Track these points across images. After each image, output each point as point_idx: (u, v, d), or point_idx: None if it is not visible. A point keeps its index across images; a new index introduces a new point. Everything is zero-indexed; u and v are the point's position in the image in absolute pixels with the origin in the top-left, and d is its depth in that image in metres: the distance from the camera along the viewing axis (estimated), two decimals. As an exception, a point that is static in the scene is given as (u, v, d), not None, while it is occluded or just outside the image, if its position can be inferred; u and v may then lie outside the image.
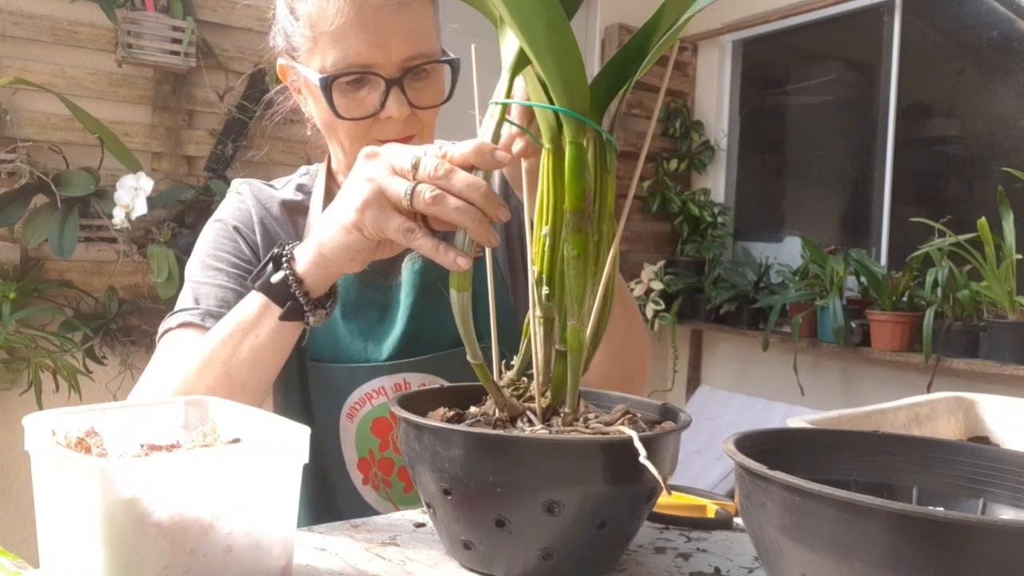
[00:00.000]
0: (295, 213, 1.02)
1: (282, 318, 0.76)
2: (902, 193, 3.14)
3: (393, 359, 0.95)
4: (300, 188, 1.04)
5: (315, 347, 0.97)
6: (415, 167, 0.65)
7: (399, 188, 0.65)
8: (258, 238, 0.98)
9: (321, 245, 0.73)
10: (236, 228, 0.98)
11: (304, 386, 0.98)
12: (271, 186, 1.05)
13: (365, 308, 0.97)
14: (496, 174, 1.01)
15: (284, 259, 0.76)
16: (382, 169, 0.67)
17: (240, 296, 0.84)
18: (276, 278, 0.75)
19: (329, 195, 1.01)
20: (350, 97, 0.89)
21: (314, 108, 0.95)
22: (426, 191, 0.63)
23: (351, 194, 0.68)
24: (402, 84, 0.89)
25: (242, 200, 1.01)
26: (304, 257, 0.75)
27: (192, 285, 0.94)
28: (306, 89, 0.95)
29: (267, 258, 0.77)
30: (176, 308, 0.93)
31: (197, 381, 0.77)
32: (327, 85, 0.88)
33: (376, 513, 0.94)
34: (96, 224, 2.26)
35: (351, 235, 0.69)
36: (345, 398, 0.95)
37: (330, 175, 1.04)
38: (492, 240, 0.64)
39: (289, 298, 0.75)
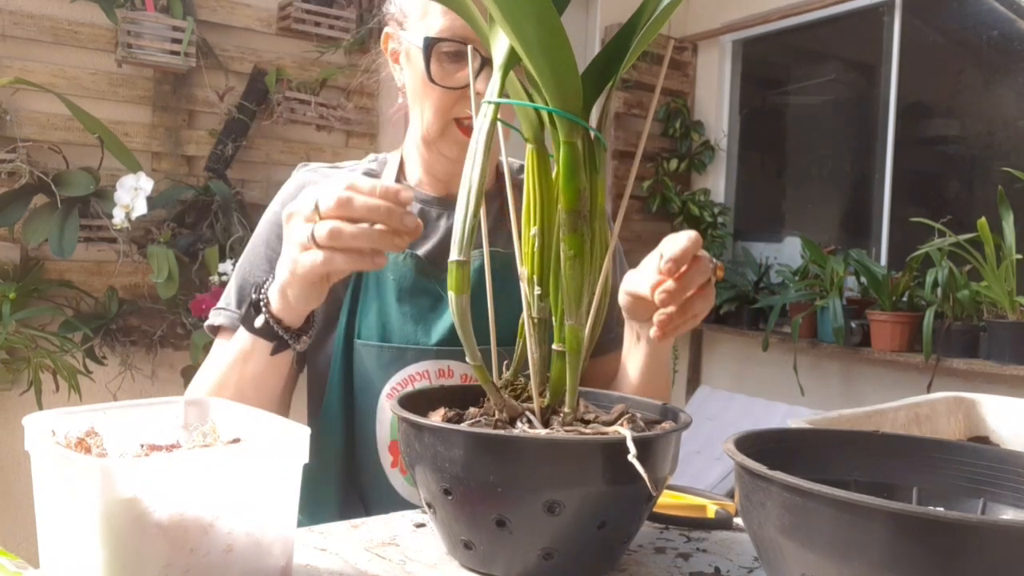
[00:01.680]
0: None
1: (273, 352, 0.85)
2: (902, 193, 3.14)
3: (441, 345, 0.98)
4: (369, 173, 1.07)
5: (366, 328, 0.99)
6: (316, 209, 0.73)
7: (304, 235, 0.74)
8: None
9: (283, 291, 0.81)
10: None
11: (348, 366, 1.00)
12: (337, 167, 1.08)
13: (419, 295, 1.00)
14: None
15: (262, 304, 0.84)
16: (296, 222, 0.76)
17: None
18: (259, 323, 0.83)
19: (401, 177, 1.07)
20: (446, 66, 0.95)
21: (408, 76, 1.00)
22: (322, 230, 0.72)
23: (284, 254, 0.79)
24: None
25: (300, 186, 1.03)
26: (275, 300, 0.83)
27: (240, 280, 1.01)
28: (405, 58, 1.01)
29: (247, 303, 0.85)
30: (223, 301, 1.00)
31: (219, 395, 0.85)
32: (429, 46, 0.93)
33: (399, 497, 0.97)
34: (96, 224, 2.25)
35: (298, 284, 0.78)
36: (389, 378, 0.97)
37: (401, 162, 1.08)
38: (399, 245, 0.72)
39: (274, 337, 0.84)
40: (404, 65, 1.02)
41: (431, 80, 0.95)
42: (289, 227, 0.77)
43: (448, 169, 1.03)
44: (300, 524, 0.88)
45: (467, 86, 0.94)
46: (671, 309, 0.77)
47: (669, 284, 0.76)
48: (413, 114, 1.02)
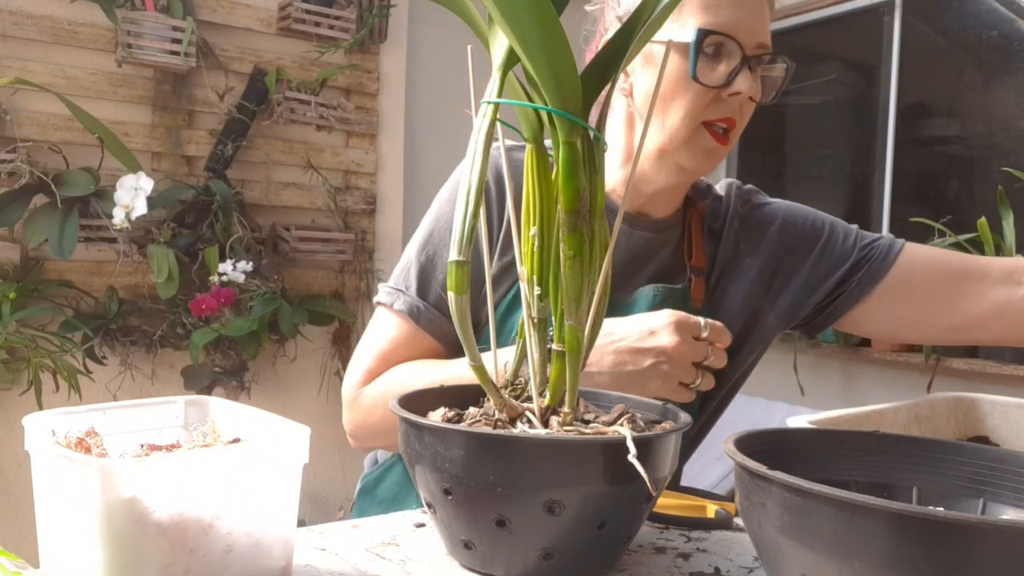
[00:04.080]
0: None
1: None
2: (902, 193, 3.14)
3: None
4: None
5: None
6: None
7: (690, 377, 0.84)
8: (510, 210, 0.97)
9: (595, 376, 0.83)
10: (487, 200, 0.96)
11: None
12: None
13: None
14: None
15: None
16: (685, 358, 0.82)
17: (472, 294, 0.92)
18: None
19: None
20: (704, 63, 0.90)
21: (646, 78, 0.94)
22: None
23: (646, 370, 0.83)
24: (753, 65, 0.92)
25: (496, 166, 0.97)
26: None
27: (422, 263, 0.97)
28: (643, 58, 0.94)
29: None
30: (400, 282, 0.98)
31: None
32: (700, 40, 0.88)
33: None
34: (96, 224, 2.26)
35: (625, 390, 0.79)
36: None
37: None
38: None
39: None
40: (642, 66, 0.95)
41: (695, 78, 0.89)
42: (679, 358, 0.81)
43: (663, 182, 0.98)
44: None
45: (725, 85, 0.90)
46: None
47: None
48: (655, 121, 0.94)
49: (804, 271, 1.06)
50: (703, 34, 0.88)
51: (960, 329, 1.04)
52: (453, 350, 0.97)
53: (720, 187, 1.12)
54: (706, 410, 1.10)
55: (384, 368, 0.95)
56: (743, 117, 0.95)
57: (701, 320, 0.84)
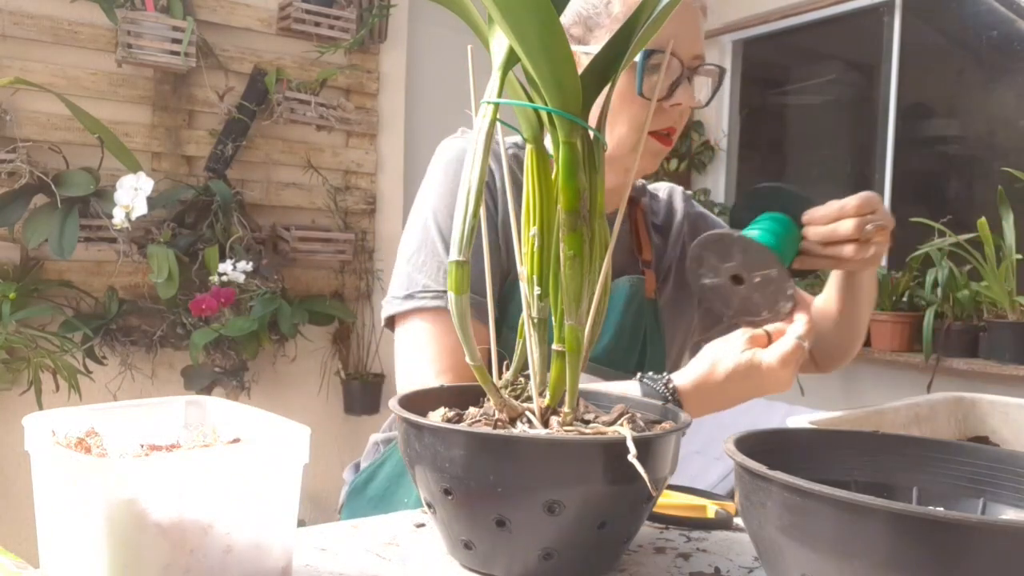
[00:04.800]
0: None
1: None
2: (902, 193, 3.14)
3: (594, 360, 1.00)
4: (517, 156, 1.04)
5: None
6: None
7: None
8: (498, 199, 1.00)
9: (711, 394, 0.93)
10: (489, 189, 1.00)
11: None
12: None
13: None
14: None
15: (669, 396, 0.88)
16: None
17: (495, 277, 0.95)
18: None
19: None
20: (647, 79, 0.95)
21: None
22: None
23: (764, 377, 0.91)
24: (690, 76, 0.98)
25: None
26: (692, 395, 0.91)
27: (439, 261, 0.97)
28: None
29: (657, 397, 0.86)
30: (441, 278, 0.96)
31: None
32: (645, 59, 0.94)
33: None
34: (96, 224, 2.25)
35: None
36: None
37: None
38: None
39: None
40: None
41: (641, 93, 0.95)
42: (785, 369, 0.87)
43: (611, 183, 1.00)
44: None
45: (666, 98, 0.96)
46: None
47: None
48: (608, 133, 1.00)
49: None
50: (648, 53, 0.94)
51: None
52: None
53: (660, 188, 1.21)
54: None
55: (456, 361, 0.93)
56: (681, 122, 1.02)
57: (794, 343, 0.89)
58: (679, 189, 1.21)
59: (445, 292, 0.95)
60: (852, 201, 0.96)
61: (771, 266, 0.89)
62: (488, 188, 1.00)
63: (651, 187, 1.22)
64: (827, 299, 1.13)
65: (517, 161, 1.04)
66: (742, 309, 0.94)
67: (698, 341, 1.22)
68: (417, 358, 0.96)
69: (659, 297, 1.12)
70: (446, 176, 1.01)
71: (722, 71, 1.03)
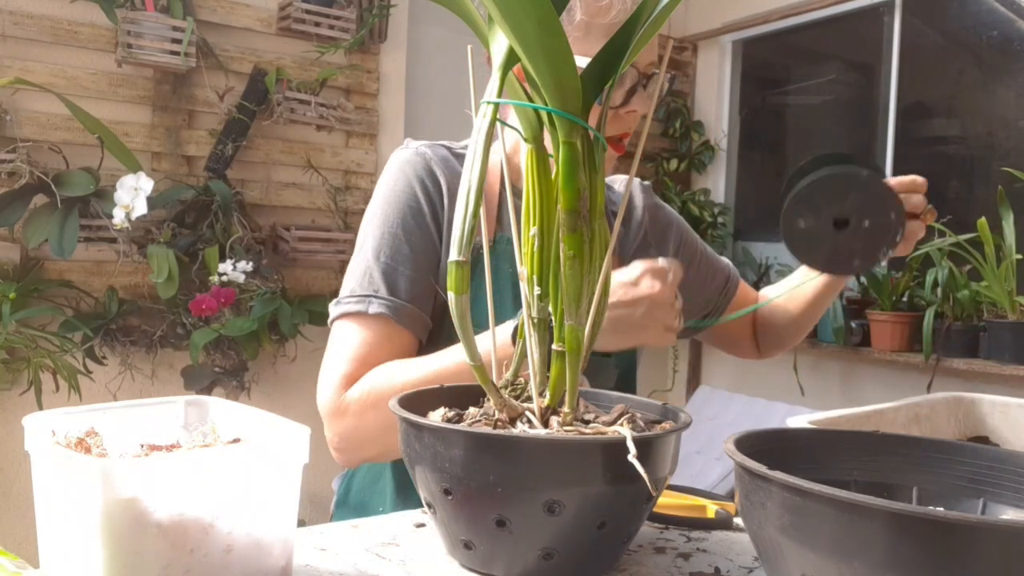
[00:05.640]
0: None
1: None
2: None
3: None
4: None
5: (478, 314, 0.98)
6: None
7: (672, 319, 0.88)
8: (445, 204, 1.02)
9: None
10: (428, 198, 1.02)
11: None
12: (450, 147, 1.08)
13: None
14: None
15: None
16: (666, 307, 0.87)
17: (425, 280, 0.98)
18: None
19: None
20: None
21: None
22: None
23: (635, 324, 0.86)
24: (645, 84, 1.00)
25: (426, 163, 1.03)
26: None
27: (384, 266, 0.98)
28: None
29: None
30: (367, 288, 0.97)
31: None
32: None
33: None
34: (96, 224, 2.25)
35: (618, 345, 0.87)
36: None
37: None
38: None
39: None
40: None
41: (598, 102, 0.96)
42: (664, 301, 0.85)
43: None
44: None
45: (620, 106, 0.99)
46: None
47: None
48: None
49: (689, 274, 1.17)
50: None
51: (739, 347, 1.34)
52: (428, 343, 1.00)
53: (616, 180, 1.23)
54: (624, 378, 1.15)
55: (364, 372, 0.94)
56: (633, 127, 1.05)
57: (664, 262, 0.88)
58: (637, 180, 1.21)
59: (366, 296, 0.97)
60: (918, 178, 0.97)
61: (891, 210, 0.85)
62: (430, 200, 1.02)
63: (607, 179, 1.23)
64: (790, 296, 1.18)
65: (446, 164, 1.04)
66: (831, 258, 0.89)
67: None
68: (327, 364, 0.97)
69: None
70: (385, 185, 1.04)
71: (673, 79, 1.07)
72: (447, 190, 1.02)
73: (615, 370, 1.07)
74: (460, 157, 1.06)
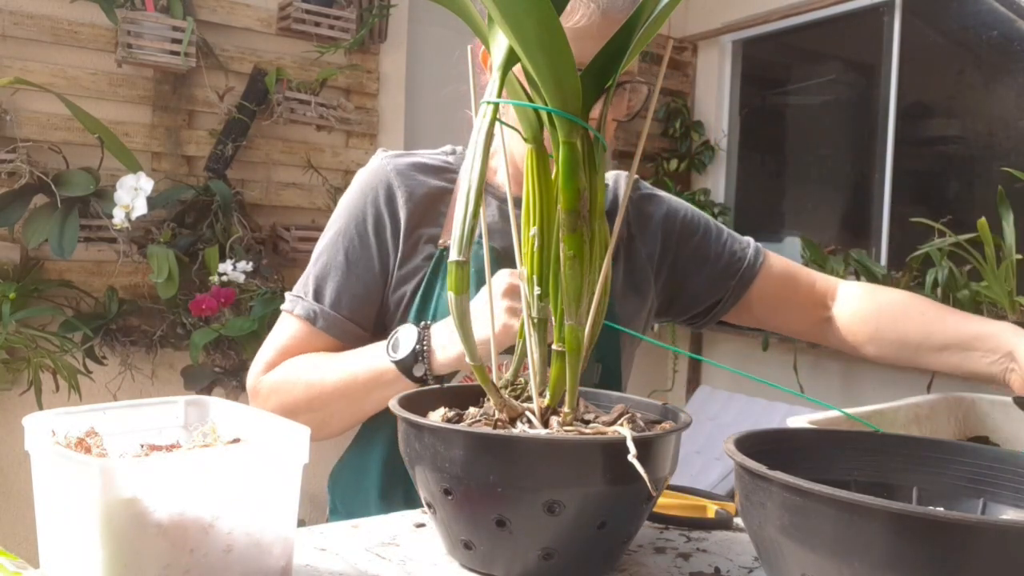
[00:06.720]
0: (439, 200, 1.06)
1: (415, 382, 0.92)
2: (902, 193, 3.14)
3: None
4: (446, 167, 1.07)
5: (441, 318, 1.01)
6: None
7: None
8: (401, 216, 1.04)
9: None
10: (376, 211, 1.05)
11: None
12: (414, 155, 1.09)
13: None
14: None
15: (422, 357, 0.90)
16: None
17: (367, 295, 1.04)
18: (418, 373, 0.91)
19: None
20: None
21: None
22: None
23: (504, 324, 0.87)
24: (619, 91, 1.00)
25: (384, 175, 1.06)
26: (446, 360, 0.90)
27: (318, 271, 1.05)
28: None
29: (408, 353, 0.91)
30: (300, 289, 1.06)
31: (330, 402, 0.97)
32: None
33: None
34: (96, 224, 2.25)
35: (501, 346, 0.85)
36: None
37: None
38: None
39: (422, 382, 0.91)
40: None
41: None
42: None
43: None
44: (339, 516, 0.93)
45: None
46: None
47: None
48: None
49: (681, 260, 1.17)
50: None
51: (799, 334, 1.23)
52: (351, 346, 1.04)
53: (609, 177, 1.21)
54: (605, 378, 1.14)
55: (282, 361, 1.04)
56: (608, 134, 1.03)
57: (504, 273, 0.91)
58: (623, 174, 1.20)
59: (297, 297, 1.05)
60: None
61: None
62: (377, 212, 1.05)
63: None
64: (930, 340, 1.06)
65: (407, 175, 1.06)
66: None
67: (681, 323, 1.24)
68: (261, 349, 1.07)
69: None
70: (345, 195, 1.09)
71: (651, 88, 1.06)
72: (406, 200, 1.04)
73: (597, 364, 1.07)
74: (433, 168, 1.07)
